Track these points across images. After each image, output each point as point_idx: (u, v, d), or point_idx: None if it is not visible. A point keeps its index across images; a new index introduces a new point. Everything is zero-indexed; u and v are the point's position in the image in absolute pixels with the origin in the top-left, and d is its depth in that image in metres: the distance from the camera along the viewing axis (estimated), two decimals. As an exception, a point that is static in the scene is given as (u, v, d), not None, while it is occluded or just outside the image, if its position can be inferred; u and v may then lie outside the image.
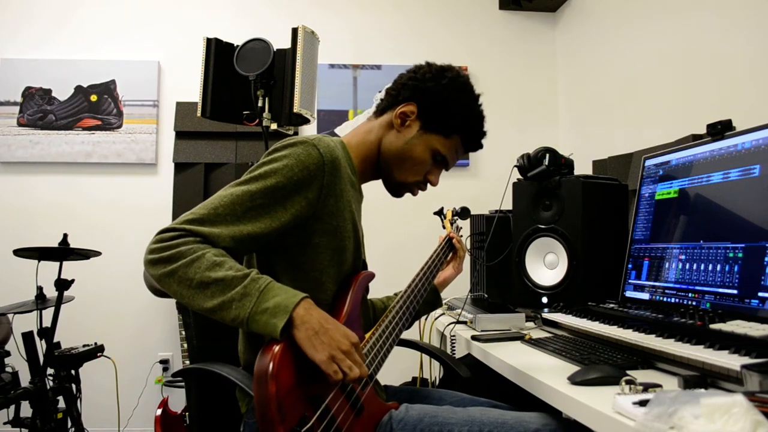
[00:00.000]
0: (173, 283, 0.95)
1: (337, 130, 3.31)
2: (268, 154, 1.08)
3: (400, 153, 1.22)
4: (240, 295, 0.93)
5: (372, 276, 1.23)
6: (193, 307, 0.95)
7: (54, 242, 2.31)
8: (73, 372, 2.38)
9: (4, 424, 2.27)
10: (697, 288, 1.33)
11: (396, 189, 1.29)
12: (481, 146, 1.32)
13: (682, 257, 1.41)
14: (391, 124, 1.23)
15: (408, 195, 1.31)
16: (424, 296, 1.39)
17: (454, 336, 1.80)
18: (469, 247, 1.68)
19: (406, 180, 1.26)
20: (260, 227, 1.02)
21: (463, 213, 1.70)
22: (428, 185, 1.29)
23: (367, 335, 1.14)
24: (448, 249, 1.56)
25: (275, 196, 1.03)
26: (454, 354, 1.89)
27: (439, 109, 1.22)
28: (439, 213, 1.72)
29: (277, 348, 0.92)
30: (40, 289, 2.33)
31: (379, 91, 3.46)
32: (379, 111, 1.27)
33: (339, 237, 1.12)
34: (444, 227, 1.66)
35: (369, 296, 1.37)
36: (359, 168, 1.23)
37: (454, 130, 1.25)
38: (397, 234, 3.21)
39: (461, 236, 1.67)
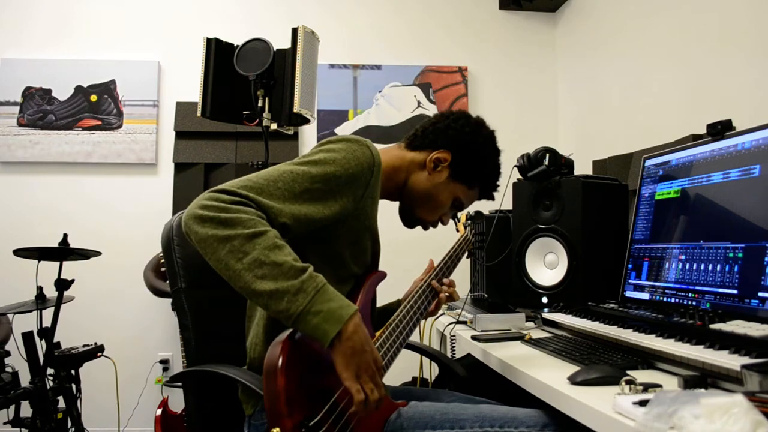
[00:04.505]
0: (221, 249, 0.88)
1: (337, 130, 3.32)
2: (322, 144, 1.10)
3: (426, 194, 1.29)
4: (296, 289, 0.89)
5: (383, 276, 1.24)
6: (236, 283, 0.90)
7: (54, 242, 2.31)
8: (73, 372, 2.38)
9: (4, 424, 2.27)
10: (697, 288, 1.33)
11: (411, 221, 1.35)
12: (493, 198, 1.40)
13: (682, 257, 1.41)
14: (423, 165, 1.28)
15: None
16: (431, 303, 1.38)
17: (454, 336, 1.81)
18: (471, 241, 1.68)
19: (424, 218, 1.33)
20: (314, 211, 1.01)
21: (476, 216, 1.73)
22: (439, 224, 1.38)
23: (378, 333, 1.15)
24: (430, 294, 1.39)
25: (331, 183, 1.03)
26: (454, 354, 1.90)
27: (471, 163, 1.30)
28: (454, 216, 1.73)
29: (288, 342, 0.92)
30: (40, 289, 2.33)
31: (379, 91, 3.47)
32: (411, 144, 1.31)
33: (366, 237, 1.15)
34: (458, 230, 1.68)
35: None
36: (382, 184, 1.24)
37: (478, 182, 1.34)
38: (399, 236, 3.20)
39: (473, 239, 1.66)
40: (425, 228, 1.37)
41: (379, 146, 1.18)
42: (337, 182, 1.04)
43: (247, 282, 0.89)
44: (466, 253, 1.61)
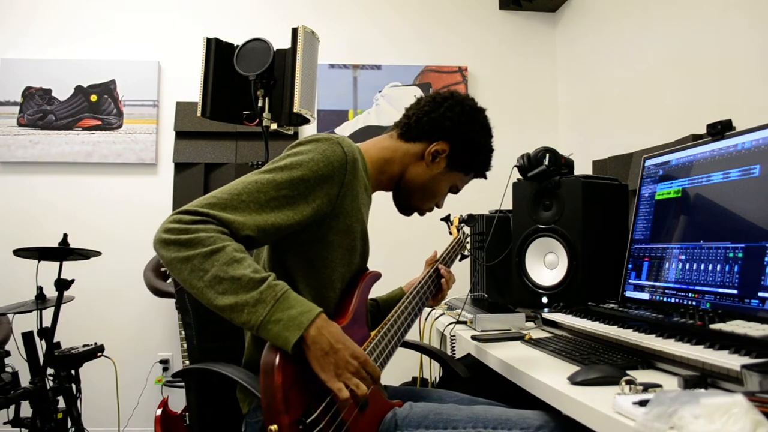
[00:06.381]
0: (185, 270, 0.92)
1: (337, 130, 3.31)
2: (291, 147, 1.09)
3: (425, 185, 1.30)
4: (255, 300, 0.91)
5: (378, 276, 1.24)
6: (201, 300, 0.93)
7: (54, 242, 2.31)
8: (73, 372, 2.38)
9: (4, 424, 2.27)
10: (697, 288, 1.33)
11: (408, 210, 1.36)
12: (486, 178, 1.41)
13: (682, 257, 1.41)
14: (420, 156, 1.27)
15: None
16: (428, 300, 1.39)
17: (454, 336, 1.81)
18: (469, 247, 1.68)
19: (421, 206, 1.35)
20: (282, 218, 1.01)
21: (469, 219, 1.73)
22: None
23: (373, 333, 1.15)
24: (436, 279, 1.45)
25: (299, 188, 1.02)
26: (454, 354, 1.90)
27: (469, 153, 1.30)
28: (446, 219, 1.74)
29: None
30: (40, 289, 2.33)
31: (379, 91, 3.47)
32: (405, 134, 1.28)
33: (351, 237, 1.14)
34: (450, 233, 1.68)
35: (374, 294, 1.38)
36: (373, 177, 1.25)
37: (474, 169, 1.35)
38: (400, 235, 3.20)
39: (467, 241, 1.67)
40: (422, 214, 1.37)
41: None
42: (306, 185, 1.03)
43: (210, 298, 0.92)
44: (459, 257, 1.62)
